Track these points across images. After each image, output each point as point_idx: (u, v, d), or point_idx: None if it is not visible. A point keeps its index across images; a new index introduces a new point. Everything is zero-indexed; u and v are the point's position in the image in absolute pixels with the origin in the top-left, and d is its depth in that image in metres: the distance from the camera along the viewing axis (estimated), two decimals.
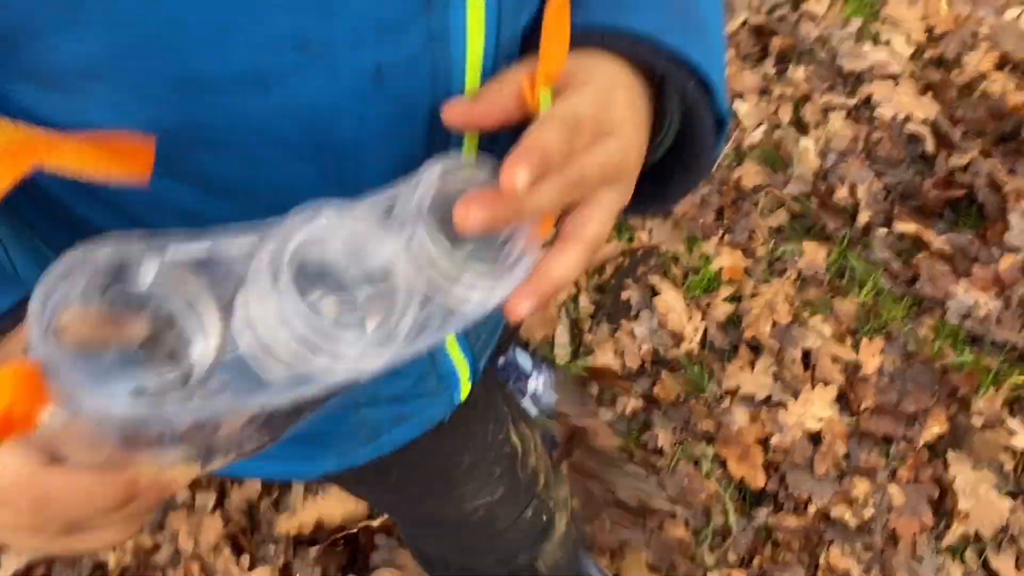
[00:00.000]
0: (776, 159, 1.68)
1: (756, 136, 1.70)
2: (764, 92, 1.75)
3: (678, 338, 1.52)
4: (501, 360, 1.47)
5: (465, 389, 0.69)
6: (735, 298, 1.55)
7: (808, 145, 1.68)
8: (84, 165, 0.34)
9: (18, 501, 0.36)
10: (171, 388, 0.31)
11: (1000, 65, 1.71)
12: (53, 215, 0.44)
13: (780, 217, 1.62)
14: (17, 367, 0.30)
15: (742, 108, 1.73)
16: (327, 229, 0.34)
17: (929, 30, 1.78)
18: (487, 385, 0.79)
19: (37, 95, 0.37)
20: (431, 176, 0.37)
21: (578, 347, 1.55)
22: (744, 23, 1.83)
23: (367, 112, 0.40)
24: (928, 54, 1.76)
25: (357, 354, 0.33)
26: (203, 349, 0.32)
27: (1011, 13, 1.76)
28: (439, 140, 0.43)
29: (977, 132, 1.65)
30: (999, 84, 1.67)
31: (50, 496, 0.36)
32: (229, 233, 0.34)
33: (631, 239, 1.62)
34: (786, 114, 1.73)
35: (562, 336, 1.56)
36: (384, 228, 0.36)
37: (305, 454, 0.62)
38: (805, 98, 1.74)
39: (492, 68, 0.42)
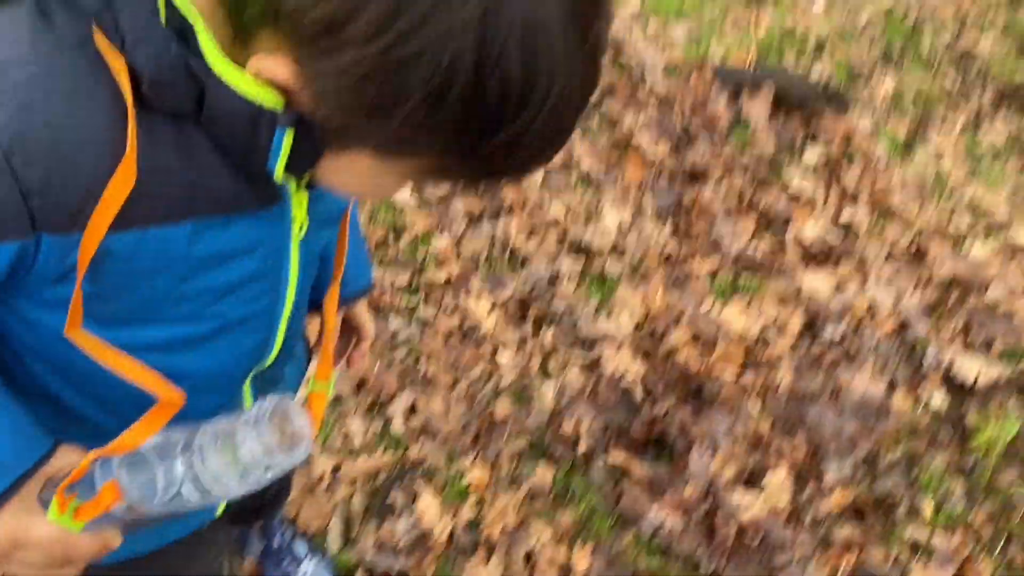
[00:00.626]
0: (524, 397, 2.14)
1: (510, 378, 2.17)
2: (520, 346, 2.25)
3: (430, 536, 1.87)
4: (276, 541, 1.77)
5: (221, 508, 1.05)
6: (479, 504, 1.93)
7: (548, 389, 2.15)
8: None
9: (52, 549, 0.74)
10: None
11: (693, 341, 2.28)
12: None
13: (521, 443, 2.05)
14: (111, 484, 0.69)
15: (503, 356, 2.21)
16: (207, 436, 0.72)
17: (647, 311, 2.35)
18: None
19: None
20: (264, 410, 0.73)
21: (348, 539, 1.87)
22: (510, 296, 2.36)
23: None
24: (644, 329, 2.32)
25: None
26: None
27: (705, 306, 2.37)
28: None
29: (673, 388, 2.17)
30: (692, 354, 2.23)
31: (69, 550, 0.75)
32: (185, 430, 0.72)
33: (405, 451, 2.01)
34: (536, 364, 2.21)
35: (335, 528, 1.88)
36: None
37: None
38: (551, 352, 2.24)
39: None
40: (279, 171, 0.67)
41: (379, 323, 2.23)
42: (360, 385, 2.13)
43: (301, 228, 0.82)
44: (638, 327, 2.32)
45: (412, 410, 2.10)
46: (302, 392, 1.20)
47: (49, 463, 0.77)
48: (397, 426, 2.06)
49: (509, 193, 2.56)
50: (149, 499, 0.69)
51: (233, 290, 0.81)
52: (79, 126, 0.64)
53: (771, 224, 2.61)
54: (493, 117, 0.60)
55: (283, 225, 0.80)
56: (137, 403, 0.78)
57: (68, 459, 0.78)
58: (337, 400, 2.09)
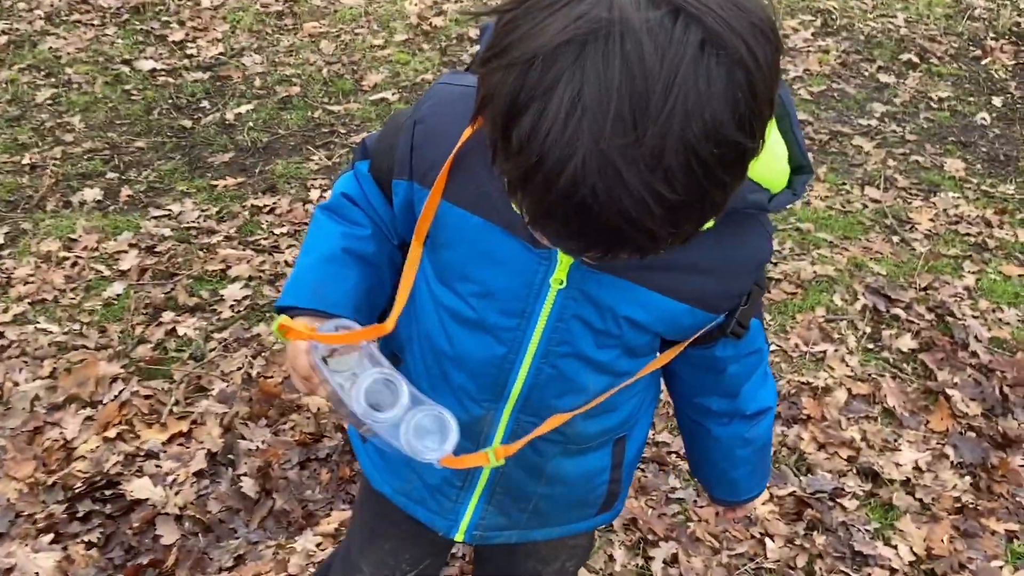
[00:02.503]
0: None
1: (773, 565, 2.20)
2: (789, 542, 2.28)
3: None
4: None
5: (460, 531, 1.28)
6: None
7: None
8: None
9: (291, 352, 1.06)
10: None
11: None
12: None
13: None
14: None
15: (770, 544, 2.26)
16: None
17: (928, 550, 2.29)
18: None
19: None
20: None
21: None
22: (791, 493, 2.42)
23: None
24: (923, 566, 2.25)
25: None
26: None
27: (996, 563, 2.26)
28: None
29: None
30: None
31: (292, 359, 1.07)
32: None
33: None
34: (802, 561, 2.23)
35: None
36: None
37: None
38: (819, 555, 2.25)
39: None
40: None
41: (655, 477, 2.39)
42: (632, 523, 2.28)
43: (561, 282, 1.02)
44: (916, 562, 2.27)
45: (674, 559, 2.20)
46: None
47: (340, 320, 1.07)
48: (656, 568, 2.16)
49: (808, 404, 2.68)
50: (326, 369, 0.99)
51: (494, 294, 1.05)
52: (452, 127, 0.99)
53: None
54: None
55: (547, 265, 1.02)
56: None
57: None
58: (608, 528, 2.25)
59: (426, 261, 1.11)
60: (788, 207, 1.03)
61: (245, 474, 2.30)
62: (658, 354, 1.15)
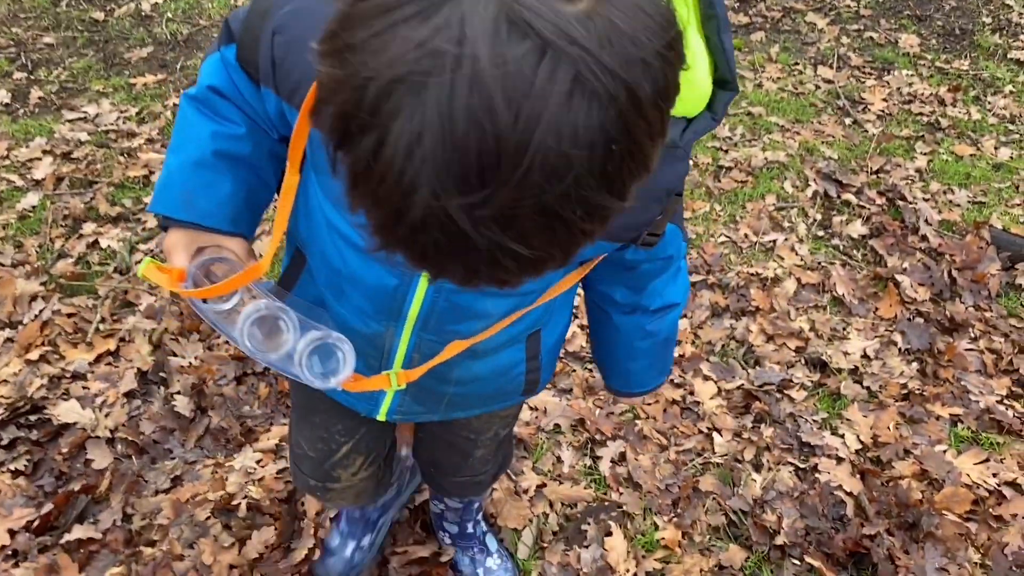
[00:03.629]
0: (731, 479, 2.15)
1: (720, 459, 2.19)
2: (737, 436, 2.27)
3: (613, 572, 1.91)
4: (472, 527, 1.89)
5: (381, 414, 1.25)
6: (665, 561, 1.95)
7: (757, 479, 2.15)
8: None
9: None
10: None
11: (919, 475, 2.19)
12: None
13: (719, 518, 2.06)
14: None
15: (717, 438, 2.24)
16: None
17: (875, 437, 2.30)
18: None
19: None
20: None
21: (536, 550, 1.96)
22: (740, 386, 2.40)
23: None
24: (869, 453, 2.27)
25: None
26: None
27: (940, 447, 2.28)
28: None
29: (888, 514, 2.09)
30: (916, 487, 2.14)
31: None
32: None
33: (607, 491, 2.08)
34: (749, 454, 2.22)
35: (528, 538, 1.97)
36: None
37: None
38: (767, 448, 2.25)
39: None
40: None
41: None
42: (580, 423, 2.25)
43: None
44: (862, 448, 2.28)
45: (622, 458, 2.18)
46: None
47: (221, 238, 1.00)
48: (604, 467, 2.14)
49: (757, 296, 2.64)
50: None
51: None
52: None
53: None
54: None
55: None
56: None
57: (232, 248, 1.00)
58: (556, 428, 2.22)
59: (313, 178, 1.01)
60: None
61: (178, 392, 2.21)
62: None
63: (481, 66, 0.52)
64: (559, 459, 2.15)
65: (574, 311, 2.38)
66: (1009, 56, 3.79)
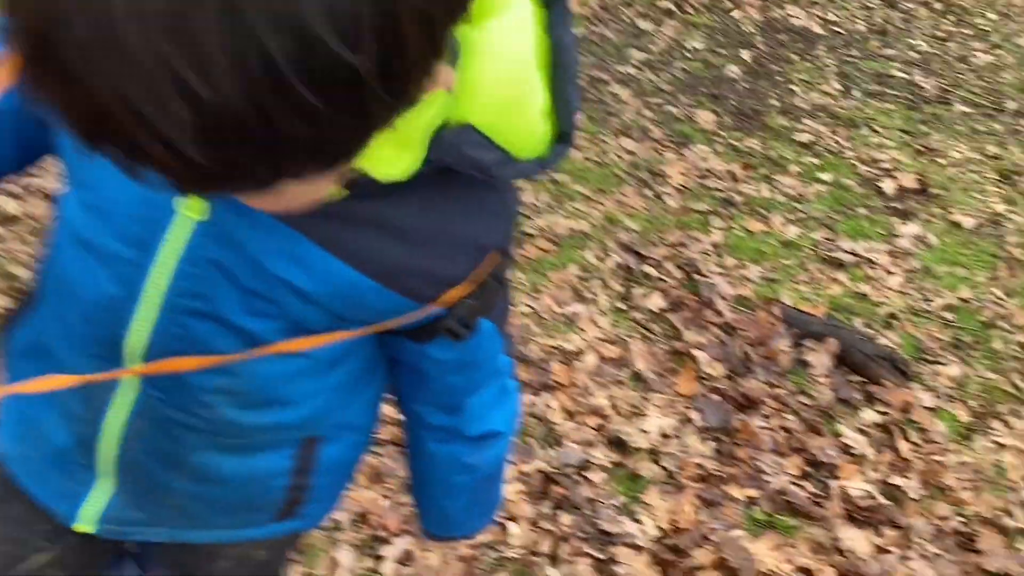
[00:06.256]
0: (526, 575, 1.99)
1: (516, 552, 2.02)
2: (534, 525, 2.12)
3: None
4: None
5: (88, 520, 0.98)
6: None
7: (554, 574, 2.00)
8: None
9: None
10: None
11: (718, 564, 2.12)
12: None
13: None
14: None
15: (514, 528, 2.08)
16: None
17: (674, 523, 2.22)
18: None
19: None
20: None
21: None
22: (538, 469, 2.26)
23: None
24: (668, 540, 2.17)
25: None
26: None
27: (736, 532, 2.22)
28: None
29: None
30: None
31: None
32: None
33: None
34: (546, 546, 2.07)
35: None
36: None
37: None
38: (564, 538, 2.10)
39: None
40: None
41: (394, 462, 2.14)
42: (362, 517, 2.01)
43: (198, 212, 0.74)
44: (662, 537, 2.18)
45: (408, 558, 1.96)
46: None
47: None
48: (387, 569, 1.91)
49: (559, 370, 2.53)
50: None
51: (105, 207, 0.77)
52: None
53: (818, 470, 2.49)
54: None
55: None
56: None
57: None
58: (334, 525, 1.97)
59: (65, 149, 0.79)
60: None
61: None
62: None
63: None
64: (335, 561, 1.90)
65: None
66: (793, 137, 4.00)
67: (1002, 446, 2.76)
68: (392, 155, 0.68)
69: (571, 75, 0.72)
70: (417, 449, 1.08)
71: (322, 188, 0.65)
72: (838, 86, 4.47)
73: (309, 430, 0.97)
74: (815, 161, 3.87)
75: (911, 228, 3.58)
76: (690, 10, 4.78)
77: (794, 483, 2.42)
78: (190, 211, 0.74)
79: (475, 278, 0.82)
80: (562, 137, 0.74)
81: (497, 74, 0.69)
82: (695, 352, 2.71)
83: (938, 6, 5.41)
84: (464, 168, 0.71)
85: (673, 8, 4.73)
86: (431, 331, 0.86)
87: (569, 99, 0.72)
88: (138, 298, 0.79)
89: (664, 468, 2.37)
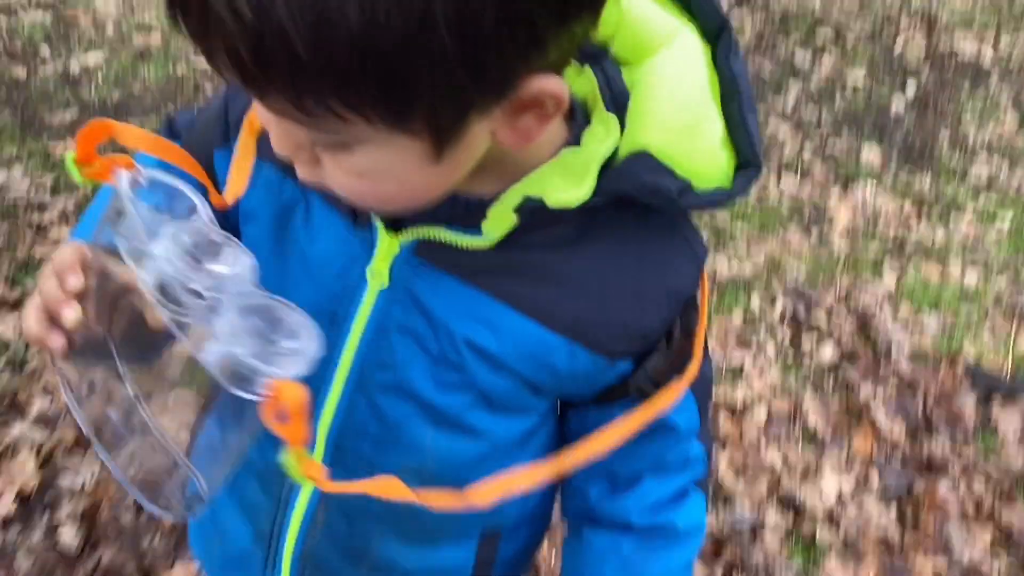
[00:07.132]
0: None
1: None
2: None
3: None
4: None
5: None
6: None
7: None
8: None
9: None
10: None
11: None
12: None
13: None
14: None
15: None
16: None
17: None
18: None
19: None
20: None
21: None
22: (710, 531, 2.17)
23: None
24: None
25: None
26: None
27: None
28: None
29: None
30: None
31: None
32: None
33: None
34: None
35: None
36: None
37: None
38: None
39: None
40: None
41: None
42: None
43: (383, 278, 0.73)
44: None
45: None
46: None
47: None
48: None
49: (726, 424, 2.44)
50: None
51: (298, 283, 0.75)
52: None
53: (1011, 544, 2.30)
54: None
55: (368, 252, 0.73)
56: None
57: None
58: None
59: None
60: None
61: (67, 520, 1.88)
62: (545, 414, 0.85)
63: None
64: None
65: None
66: (968, 175, 3.77)
67: None
68: (563, 183, 0.66)
69: (747, 102, 0.69)
70: (570, 535, 0.94)
71: (410, 170, 0.59)
72: (1014, 119, 4.20)
73: (491, 521, 0.90)
74: (993, 200, 3.63)
75: None
76: (850, 39, 4.60)
77: (985, 556, 2.24)
78: (375, 277, 0.73)
79: (666, 328, 0.77)
80: (745, 165, 0.71)
81: (670, 101, 0.67)
82: (871, 408, 2.57)
83: None
84: (643, 196, 0.67)
85: (832, 37, 4.56)
86: (618, 391, 0.80)
87: (748, 127, 0.69)
88: (328, 377, 0.77)
89: (843, 533, 2.24)
